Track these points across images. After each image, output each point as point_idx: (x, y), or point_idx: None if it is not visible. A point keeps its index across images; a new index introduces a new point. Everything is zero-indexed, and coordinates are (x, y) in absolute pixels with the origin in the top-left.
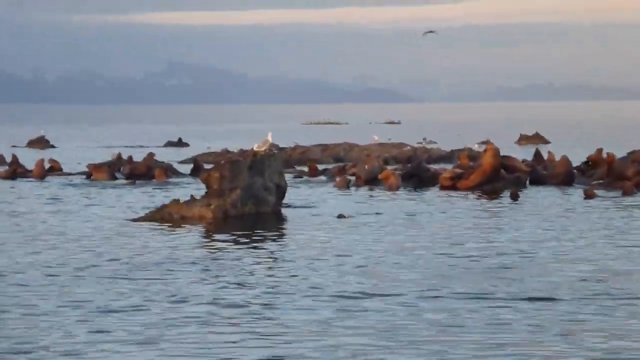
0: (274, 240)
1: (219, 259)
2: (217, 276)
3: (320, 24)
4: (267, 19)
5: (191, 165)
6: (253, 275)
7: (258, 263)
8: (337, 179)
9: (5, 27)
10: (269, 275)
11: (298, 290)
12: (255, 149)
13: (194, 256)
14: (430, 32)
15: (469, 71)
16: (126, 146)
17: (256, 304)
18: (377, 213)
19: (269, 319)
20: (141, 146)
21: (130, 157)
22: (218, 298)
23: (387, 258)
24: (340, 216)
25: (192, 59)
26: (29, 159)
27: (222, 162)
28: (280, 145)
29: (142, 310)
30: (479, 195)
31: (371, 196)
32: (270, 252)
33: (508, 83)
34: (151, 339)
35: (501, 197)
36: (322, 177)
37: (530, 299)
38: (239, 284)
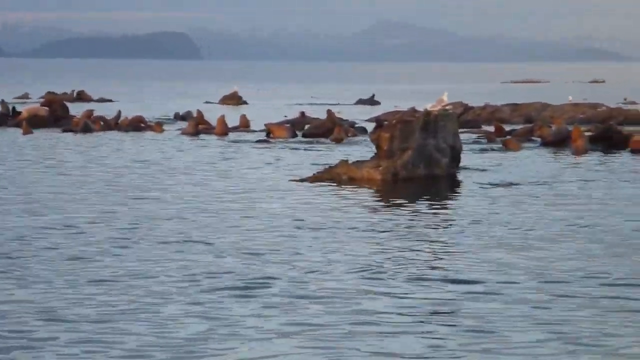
0: (438, 208)
1: (376, 225)
2: (372, 243)
3: None
4: None
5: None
6: (408, 249)
7: (418, 231)
8: (511, 141)
9: None
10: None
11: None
12: (428, 108)
13: (353, 219)
14: None
15: None
16: (320, 103)
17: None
18: (545, 182)
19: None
20: (332, 104)
21: (335, 113)
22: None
23: (542, 232)
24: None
25: (402, 17)
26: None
27: (394, 121)
28: (470, 104)
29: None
30: None
31: (554, 160)
32: (432, 220)
33: None
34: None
35: None
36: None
37: None
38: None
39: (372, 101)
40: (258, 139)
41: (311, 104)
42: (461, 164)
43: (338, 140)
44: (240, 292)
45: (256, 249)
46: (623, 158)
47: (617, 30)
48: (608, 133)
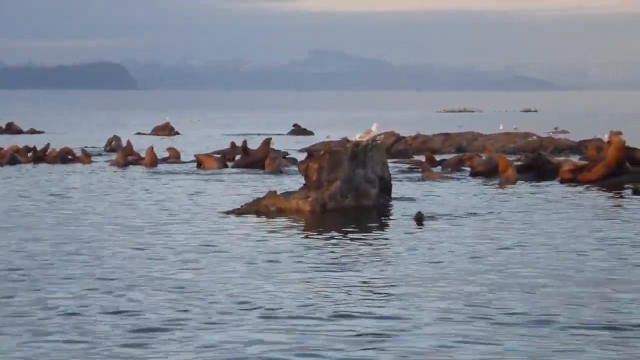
0: (364, 240)
1: (300, 257)
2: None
3: (481, 10)
4: (412, 6)
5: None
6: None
7: (342, 264)
8: (429, 172)
9: (160, 15)
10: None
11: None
12: (357, 139)
13: (278, 252)
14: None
15: (624, 59)
16: (252, 133)
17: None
18: (472, 212)
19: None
20: (265, 133)
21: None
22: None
23: (458, 266)
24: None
25: (335, 46)
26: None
27: (322, 152)
28: (401, 134)
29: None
30: (600, 190)
31: (484, 190)
32: (356, 253)
33: None
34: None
35: (623, 191)
36: (439, 168)
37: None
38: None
39: (305, 131)
40: (187, 170)
41: (244, 134)
42: (392, 194)
43: (270, 171)
44: (154, 330)
45: (176, 283)
46: (552, 188)
47: (547, 59)
48: (538, 162)
